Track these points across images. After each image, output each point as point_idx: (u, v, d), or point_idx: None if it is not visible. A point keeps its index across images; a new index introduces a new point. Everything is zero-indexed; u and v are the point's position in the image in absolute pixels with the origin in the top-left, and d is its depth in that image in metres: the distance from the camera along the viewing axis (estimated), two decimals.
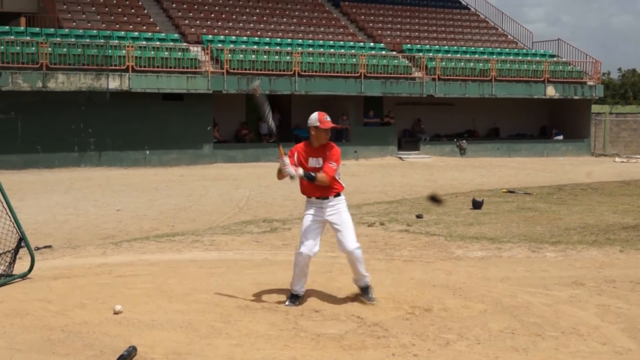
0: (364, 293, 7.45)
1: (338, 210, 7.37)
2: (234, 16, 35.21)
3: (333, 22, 37.35)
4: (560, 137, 37.09)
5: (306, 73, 30.73)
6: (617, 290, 8.15)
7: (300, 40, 33.29)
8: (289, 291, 7.52)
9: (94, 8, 32.12)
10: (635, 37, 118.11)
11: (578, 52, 38.61)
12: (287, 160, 7.24)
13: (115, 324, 6.71)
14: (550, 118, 38.62)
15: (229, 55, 29.61)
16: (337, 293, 7.74)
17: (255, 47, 31.23)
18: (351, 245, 7.31)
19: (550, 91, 35.78)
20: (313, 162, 7.32)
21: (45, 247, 10.99)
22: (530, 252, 10.49)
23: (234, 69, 29.47)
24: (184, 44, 30.43)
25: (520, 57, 37.04)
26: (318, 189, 7.32)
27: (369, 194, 18.62)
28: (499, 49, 38.16)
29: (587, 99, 37.04)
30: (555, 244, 11.14)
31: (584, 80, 36.79)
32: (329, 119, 7.45)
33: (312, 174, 7.23)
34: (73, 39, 27.69)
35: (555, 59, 38.03)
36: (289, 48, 31.58)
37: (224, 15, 34.94)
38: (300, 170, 7.23)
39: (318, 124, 7.33)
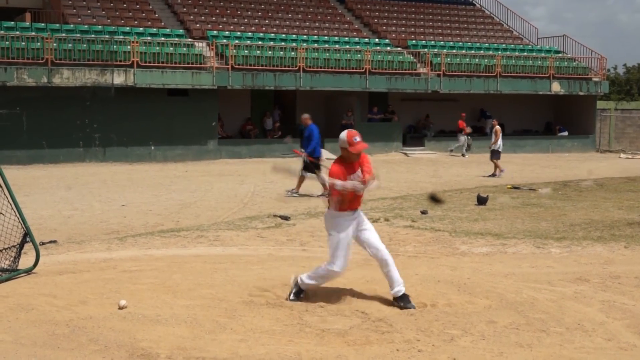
0: (400, 302, 7.22)
1: (362, 216, 7.39)
2: (238, 12, 35.22)
3: (338, 18, 37.33)
4: (565, 133, 37.02)
5: (311, 69, 30.72)
6: (622, 286, 8.15)
7: (305, 36, 33.27)
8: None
9: (99, 3, 32.12)
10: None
11: (583, 48, 38.55)
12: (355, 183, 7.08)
13: (120, 319, 6.72)
14: (555, 114, 38.57)
15: (234, 50, 29.60)
16: (341, 289, 7.74)
17: (260, 42, 31.22)
18: (383, 246, 7.30)
19: (556, 87, 35.70)
20: (353, 177, 7.16)
21: (50, 242, 11.01)
22: (535, 248, 10.48)
23: (238, 65, 29.47)
24: (189, 39, 30.42)
25: (525, 53, 36.96)
26: (359, 200, 7.27)
27: (373, 190, 18.58)
28: (504, 45, 38.08)
29: (592, 95, 36.95)
30: (560, 240, 11.13)
31: (589, 76, 36.72)
32: (358, 139, 7.09)
33: (362, 185, 7.09)
34: (78, 35, 27.70)
35: (560, 55, 37.95)
36: (294, 44, 31.55)
37: (228, 11, 34.95)
38: (358, 184, 7.07)
39: (347, 146, 7.08)
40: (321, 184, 17.07)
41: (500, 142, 23.34)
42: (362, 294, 7.57)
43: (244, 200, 16.71)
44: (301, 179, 17.20)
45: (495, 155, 23.32)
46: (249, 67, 29.66)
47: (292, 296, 7.38)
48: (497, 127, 23.66)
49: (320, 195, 17.09)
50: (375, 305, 7.17)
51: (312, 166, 17.10)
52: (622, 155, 34.48)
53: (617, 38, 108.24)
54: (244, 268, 8.96)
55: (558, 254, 10.12)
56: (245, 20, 34.57)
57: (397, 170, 25.20)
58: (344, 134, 7.11)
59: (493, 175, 22.88)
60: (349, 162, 7.15)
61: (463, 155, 32.07)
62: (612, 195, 17.69)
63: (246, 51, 30.04)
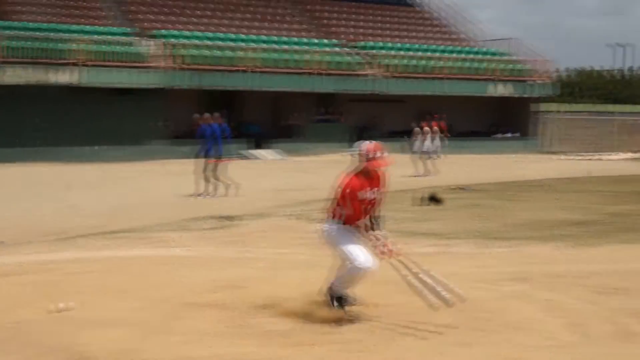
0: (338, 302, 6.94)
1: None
2: (188, 11, 34.93)
3: (288, 19, 37.30)
4: (510, 135, 37.53)
5: (260, 69, 30.63)
6: (563, 285, 8.29)
7: (254, 36, 33.18)
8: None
9: (45, 0, 31.59)
10: (583, 37, 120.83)
11: (529, 51, 39.12)
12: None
13: (60, 322, 6.62)
14: (501, 116, 39.02)
15: (183, 50, 29.38)
16: (285, 289, 7.72)
17: (209, 42, 31.06)
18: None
19: (501, 89, 36.18)
20: (371, 193, 6.72)
21: None
22: (479, 248, 10.60)
23: (187, 64, 29.25)
24: (137, 38, 30.12)
25: (471, 55, 37.40)
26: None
27: (320, 191, 18.41)
28: (451, 47, 38.46)
29: (537, 97, 37.56)
30: (504, 239, 11.30)
31: (534, 79, 37.29)
32: (380, 154, 6.73)
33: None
34: (24, 32, 27.21)
35: (506, 57, 38.45)
36: (243, 44, 31.45)
37: (177, 10, 34.64)
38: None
39: (365, 160, 6.70)
40: (204, 182, 17.16)
41: (427, 143, 23.67)
42: (305, 295, 7.56)
43: (190, 200, 16.59)
44: (207, 179, 17.34)
45: (425, 155, 23.65)
46: (197, 66, 29.47)
47: (335, 304, 6.86)
48: (426, 128, 23.96)
49: (199, 195, 17.07)
50: (318, 306, 7.15)
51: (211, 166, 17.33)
52: (565, 156, 35.05)
53: (561, 42, 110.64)
54: (188, 269, 8.90)
55: (502, 253, 10.27)
56: (195, 19, 34.33)
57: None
58: (365, 146, 6.73)
59: (423, 175, 23.17)
60: (368, 176, 6.68)
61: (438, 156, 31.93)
62: (554, 195, 17.98)
63: (195, 50, 29.85)
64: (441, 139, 31.68)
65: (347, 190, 6.58)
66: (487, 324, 6.75)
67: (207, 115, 18.04)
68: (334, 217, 6.76)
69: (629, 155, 36.14)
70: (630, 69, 63.61)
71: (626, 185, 21.13)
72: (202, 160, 17.42)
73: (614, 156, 35.50)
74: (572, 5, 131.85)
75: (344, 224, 6.70)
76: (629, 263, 9.71)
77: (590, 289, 8.12)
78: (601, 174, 24.78)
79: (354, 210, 6.60)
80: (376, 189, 6.72)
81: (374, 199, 6.75)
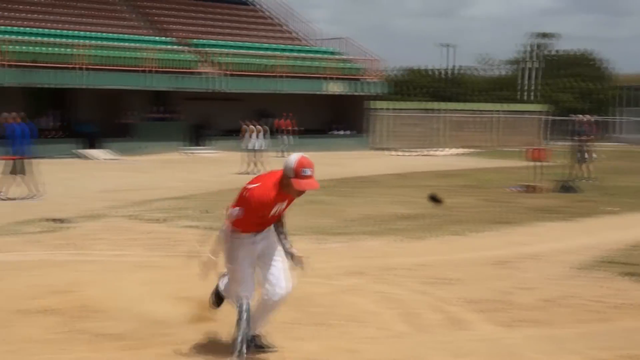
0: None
1: (272, 241, 6.05)
2: (14, 5, 33.31)
3: (124, 15, 36.43)
4: (344, 132, 38.36)
5: (92, 66, 29.73)
6: (395, 277, 8.57)
7: (84, 33, 32.17)
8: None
9: None
10: (413, 37, 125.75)
11: (361, 50, 40.16)
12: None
13: None
14: (334, 113, 39.82)
15: (9, 46, 28.04)
16: (119, 292, 7.54)
17: (37, 38, 29.80)
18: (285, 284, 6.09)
19: (334, 87, 36.91)
20: (279, 206, 5.74)
21: None
22: (315, 244, 10.74)
23: (14, 61, 27.94)
24: None
25: (307, 55, 37.95)
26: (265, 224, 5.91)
27: (155, 190, 18.32)
28: (289, 46, 38.89)
29: (369, 95, 38.62)
30: (339, 235, 11.53)
31: (365, 77, 38.30)
32: (309, 172, 5.44)
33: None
34: None
35: (339, 56, 39.27)
36: (73, 40, 30.42)
37: (2, 4, 32.97)
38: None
39: (292, 176, 5.44)
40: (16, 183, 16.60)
41: (260, 140, 24.24)
42: (140, 296, 7.41)
43: (17, 203, 15.85)
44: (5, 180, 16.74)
45: (252, 153, 24.30)
46: (25, 63, 28.23)
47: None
48: (254, 126, 24.54)
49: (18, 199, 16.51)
50: (154, 307, 7.02)
51: (22, 167, 16.76)
52: (394, 152, 36.19)
53: (393, 42, 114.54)
54: (14, 275, 8.49)
55: (337, 248, 10.46)
56: (18, 14, 32.82)
57: (180, 170, 25.01)
58: (293, 161, 5.46)
59: (250, 172, 23.42)
60: (285, 190, 5.57)
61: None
62: (386, 191, 18.55)
63: (20, 47, 28.57)
64: (287, 137, 32.19)
65: (258, 203, 5.57)
66: (324, 318, 6.87)
67: (14, 114, 17.35)
68: (233, 225, 5.71)
69: (456, 150, 37.89)
70: (457, 68, 66.60)
71: (452, 179, 22.17)
72: (10, 161, 16.75)
73: (441, 152, 37.11)
74: (403, 6, 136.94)
75: (244, 231, 5.75)
76: (456, 254, 10.19)
77: (420, 280, 8.44)
78: (428, 169, 25.85)
79: (260, 221, 5.76)
80: (287, 200, 5.75)
81: (284, 208, 5.88)
